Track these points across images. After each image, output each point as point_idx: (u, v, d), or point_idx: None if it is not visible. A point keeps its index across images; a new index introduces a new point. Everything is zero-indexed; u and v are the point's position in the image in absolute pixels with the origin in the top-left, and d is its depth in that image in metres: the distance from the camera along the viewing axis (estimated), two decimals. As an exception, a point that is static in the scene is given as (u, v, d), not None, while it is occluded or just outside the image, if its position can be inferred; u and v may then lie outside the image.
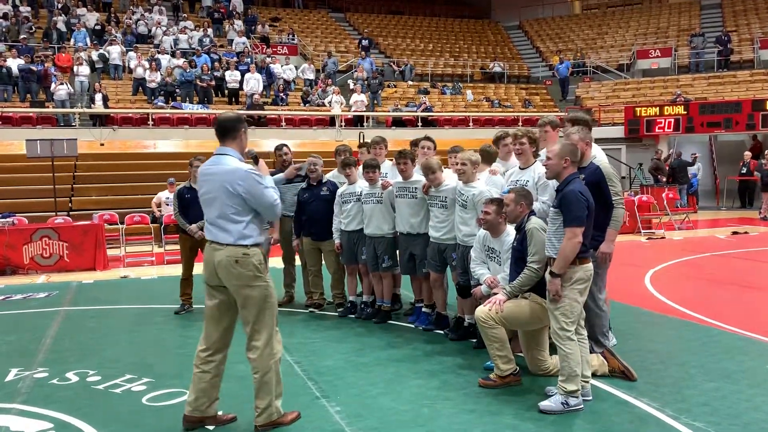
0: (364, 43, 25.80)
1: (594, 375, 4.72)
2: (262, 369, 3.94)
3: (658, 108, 20.96)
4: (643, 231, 13.83)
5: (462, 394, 4.60)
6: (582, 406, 4.23)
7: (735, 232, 13.58)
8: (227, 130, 4.00)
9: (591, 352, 4.66)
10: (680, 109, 20.47)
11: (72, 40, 21.02)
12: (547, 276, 4.31)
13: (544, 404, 4.24)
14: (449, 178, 5.98)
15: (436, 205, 5.93)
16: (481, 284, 5.18)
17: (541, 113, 22.93)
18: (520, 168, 5.55)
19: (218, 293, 4.00)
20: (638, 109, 21.33)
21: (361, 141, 16.54)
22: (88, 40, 20.97)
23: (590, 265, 4.32)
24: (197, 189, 7.08)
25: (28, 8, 22.63)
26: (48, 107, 17.57)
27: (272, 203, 3.91)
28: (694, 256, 10.69)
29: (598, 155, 5.35)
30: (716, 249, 11.42)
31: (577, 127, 5.18)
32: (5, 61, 17.85)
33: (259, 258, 3.91)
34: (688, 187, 18.87)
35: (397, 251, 6.61)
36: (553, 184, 5.14)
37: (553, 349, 5.04)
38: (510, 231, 5.04)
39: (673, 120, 20.41)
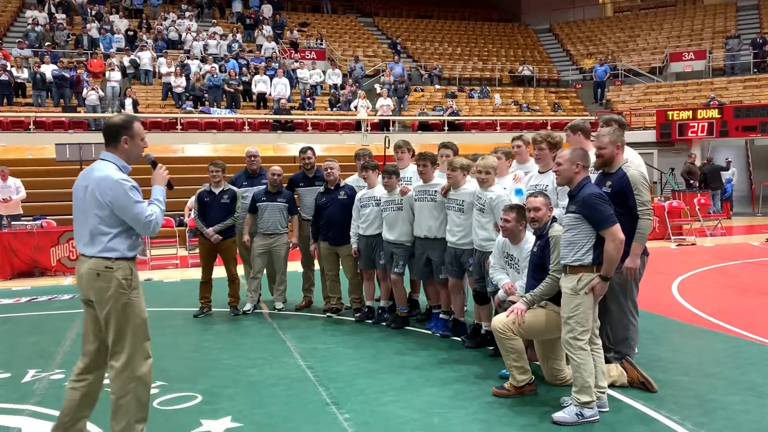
0: (399, 47, 25.90)
1: (613, 385, 4.58)
2: (117, 391, 3.61)
3: (691, 111, 20.51)
4: (673, 237, 13.50)
5: (475, 403, 4.50)
6: (598, 417, 4.10)
7: (770, 239, 13.18)
8: (108, 137, 3.69)
9: (607, 363, 4.51)
10: (714, 113, 20.00)
11: (101, 45, 21.43)
12: (570, 285, 4.16)
13: (558, 415, 4.12)
14: (470, 183, 5.87)
15: (453, 208, 5.84)
16: (499, 290, 5.08)
17: (571, 117, 22.63)
18: (539, 172, 5.44)
19: (90, 308, 3.71)
20: (670, 112, 20.90)
21: (387, 145, 16.52)
22: (114, 45, 21.35)
23: None
24: (215, 192, 7.21)
25: (64, 15, 23.14)
26: (79, 112, 17.91)
27: (141, 219, 3.57)
28: (724, 264, 10.38)
29: (634, 160, 5.18)
30: (749, 256, 11.08)
31: (610, 128, 5.01)
32: (39, 67, 18.27)
33: (124, 273, 3.60)
34: (722, 192, 18.42)
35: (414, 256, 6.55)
36: None
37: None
38: (529, 238, 4.93)
39: (706, 124, 19.94)
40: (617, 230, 4.08)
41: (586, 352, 4.09)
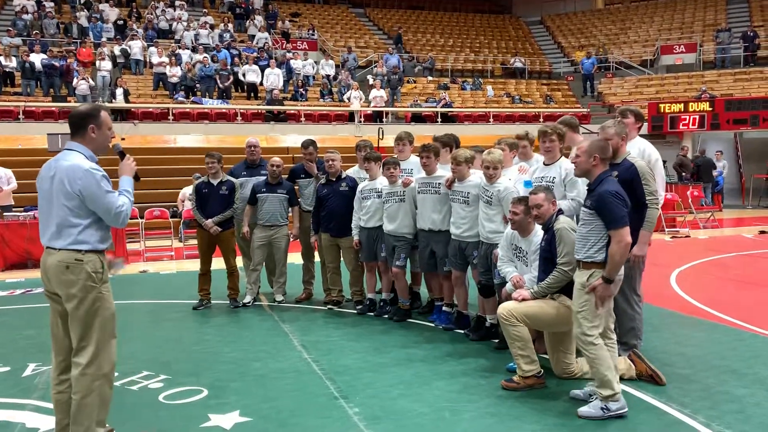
0: (401, 39, 26.02)
1: (621, 379, 4.55)
2: (81, 390, 3.47)
3: (682, 104, 20.57)
4: (667, 229, 13.56)
5: (485, 396, 4.48)
6: (626, 409, 4.05)
7: (762, 231, 13.26)
8: (75, 126, 3.56)
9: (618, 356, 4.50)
10: (705, 106, 20.07)
11: (90, 34, 21.15)
12: (581, 280, 4.11)
13: (583, 410, 4.09)
14: (475, 175, 5.83)
15: (458, 200, 5.80)
16: (507, 282, 5.06)
17: (563, 109, 22.67)
18: (544, 164, 5.40)
19: (56, 303, 3.59)
20: (662, 105, 20.95)
21: (381, 136, 16.47)
22: (104, 34, 21.09)
23: (620, 270, 4.11)
24: (213, 184, 7.12)
25: (52, 3, 22.79)
26: (70, 102, 17.67)
27: (113, 209, 3.47)
28: (720, 256, 10.44)
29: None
30: (743, 248, 11.14)
31: (614, 120, 5.02)
32: (28, 56, 17.99)
33: (94, 266, 3.50)
34: (714, 185, 18.52)
35: (418, 249, 6.52)
36: (582, 180, 5.00)
37: (579, 352, 4.91)
38: (538, 231, 4.90)
39: (697, 117, 20.01)
40: (626, 233, 3.97)
41: (596, 347, 4.05)
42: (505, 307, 4.59)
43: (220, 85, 19.32)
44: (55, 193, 3.48)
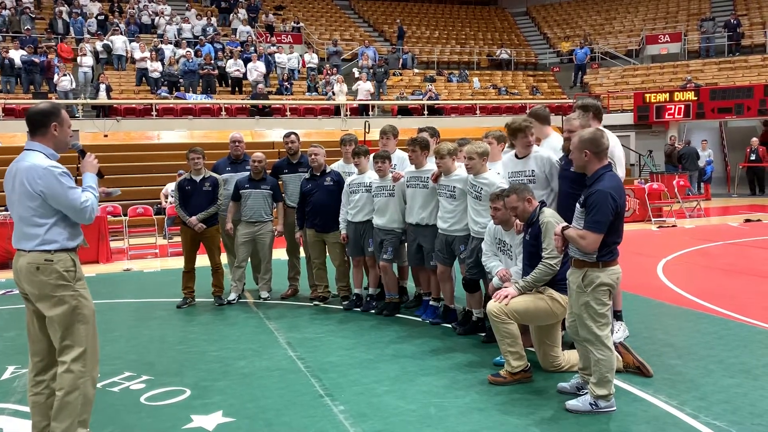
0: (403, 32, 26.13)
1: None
2: (66, 387, 3.43)
3: (667, 94, 20.64)
4: (653, 219, 13.60)
5: (471, 391, 4.44)
6: (614, 408, 4.00)
7: (748, 220, 13.33)
8: (35, 125, 3.49)
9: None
10: (690, 95, 20.15)
11: (71, 29, 20.87)
12: (575, 281, 4.00)
13: (572, 403, 4.06)
14: (461, 168, 5.76)
15: (444, 194, 5.74)
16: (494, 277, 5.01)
17: (549, 100, 22.66)
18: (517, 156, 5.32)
19: (30, 303, 3.53)
20: (647, 95, 21.01)
21: (367, 130, 16.38)
22: (85, 29, 20.82)
23: (616, 268, 4.00)
24: (195, 180, 7.03)
25: (31, -1, 22.47)
26: (51, 98, 17.42)
27: (77, 205, 3.41)
28: (706, 245, 10.46)
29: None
30: (729, 237, 11.19)
31: (578, 112, 5.00)
32: (8, 52, 17.71)
33: (66, 265, 3.45)
34: (701, 174, 18.61)
35: (405, 243, 6.47)
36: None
37: (566, 345, 4.88)
38: (523, 223, 4.85)
39: (683, 106, 20.09)
40: (596, 241, 3.84)
41: (605, 348, 3.96)
42: (494, 305, 4.53)
43: (205, 73, 19.06)
44: (17, 195, 3.44)
